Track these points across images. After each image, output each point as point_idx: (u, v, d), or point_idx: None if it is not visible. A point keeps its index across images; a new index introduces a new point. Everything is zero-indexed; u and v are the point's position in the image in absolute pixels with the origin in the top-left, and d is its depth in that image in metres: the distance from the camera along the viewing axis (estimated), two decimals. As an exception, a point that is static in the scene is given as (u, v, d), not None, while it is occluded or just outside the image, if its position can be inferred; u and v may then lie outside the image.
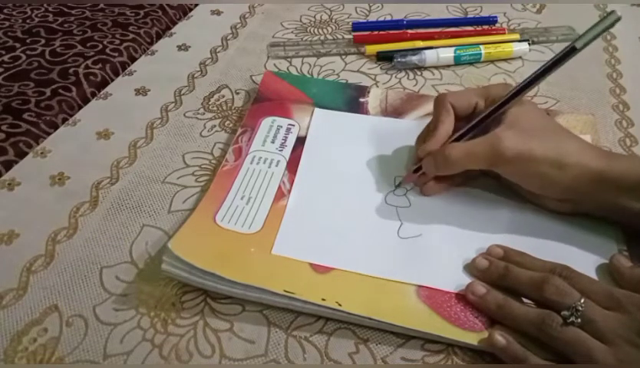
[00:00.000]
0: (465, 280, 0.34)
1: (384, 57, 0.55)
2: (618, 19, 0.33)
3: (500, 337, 0.30)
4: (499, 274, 0.33)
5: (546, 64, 0.35)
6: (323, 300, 0.32)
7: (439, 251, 0.36)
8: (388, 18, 0.62)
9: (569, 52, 0.34)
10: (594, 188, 0.34)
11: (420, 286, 0.33)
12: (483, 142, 0.35)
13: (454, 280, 0.34)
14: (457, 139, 0.37)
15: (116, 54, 0.56)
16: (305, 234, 0.37)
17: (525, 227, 0.37)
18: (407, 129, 0.44)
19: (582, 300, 0.29)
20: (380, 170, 0.41)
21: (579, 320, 0.29)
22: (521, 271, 0.32)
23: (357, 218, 0.38)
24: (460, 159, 0.36)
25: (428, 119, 0.42)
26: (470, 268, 0.34)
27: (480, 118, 0.37)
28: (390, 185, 0.40)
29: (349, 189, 0.40)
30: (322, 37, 0.59)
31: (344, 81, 0.52)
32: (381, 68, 0.54)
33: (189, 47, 0.58)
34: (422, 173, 0.39)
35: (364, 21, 0.61)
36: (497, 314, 0.31)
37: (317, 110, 0.47)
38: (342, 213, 0.38)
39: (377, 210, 0.38)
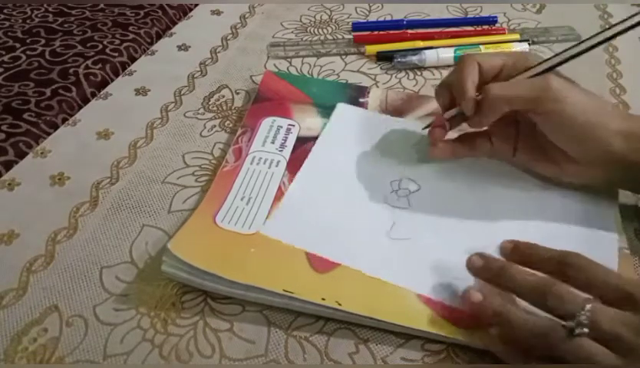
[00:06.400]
0: (462, 285, 0.33)
1: (384, 57, 0.55)
2: None
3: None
4: (493, 273, 0.31)
5: (608, 29, 0.34)
6: (323, 299, 0.32)
7: (436, 255, 0.35)
8: (388, 18, 0.62)
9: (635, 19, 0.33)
10: (628, 148, 0.34)
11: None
12: (529, 81, 0.35)
13: (450, 287, 0.33)
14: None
15: (116, 54, 0.56)
16: (300, 221, 0.37)
17: (525, 230, 0.37)
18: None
19: (588, 307, 0.27)
20: (384, 170, 0.41)
21: (585, 329, 0.27)
22: (517, 273, 0.30)
23: (356, 215, 0.38)
24: (505, 97, 0.35)
25: (429, 119, 0.42)
26: (467, 265, 0.33)
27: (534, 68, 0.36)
28: (393, 186, 0.40)
29: (351, 186, 0.40)
30: (322, 37, 0.59)
31: (344, 81, 0.52)
32: (381, 68, 0.54)
33: (189, 47, 0.58)
34: (454, 121, 0.39)
35: (364, 21, 0.61)
36: (494, 322, 0.30)
37: (340, 104, 0.47)
38: (341, 207, 0.38)
39: (377, 210, 0.38)
